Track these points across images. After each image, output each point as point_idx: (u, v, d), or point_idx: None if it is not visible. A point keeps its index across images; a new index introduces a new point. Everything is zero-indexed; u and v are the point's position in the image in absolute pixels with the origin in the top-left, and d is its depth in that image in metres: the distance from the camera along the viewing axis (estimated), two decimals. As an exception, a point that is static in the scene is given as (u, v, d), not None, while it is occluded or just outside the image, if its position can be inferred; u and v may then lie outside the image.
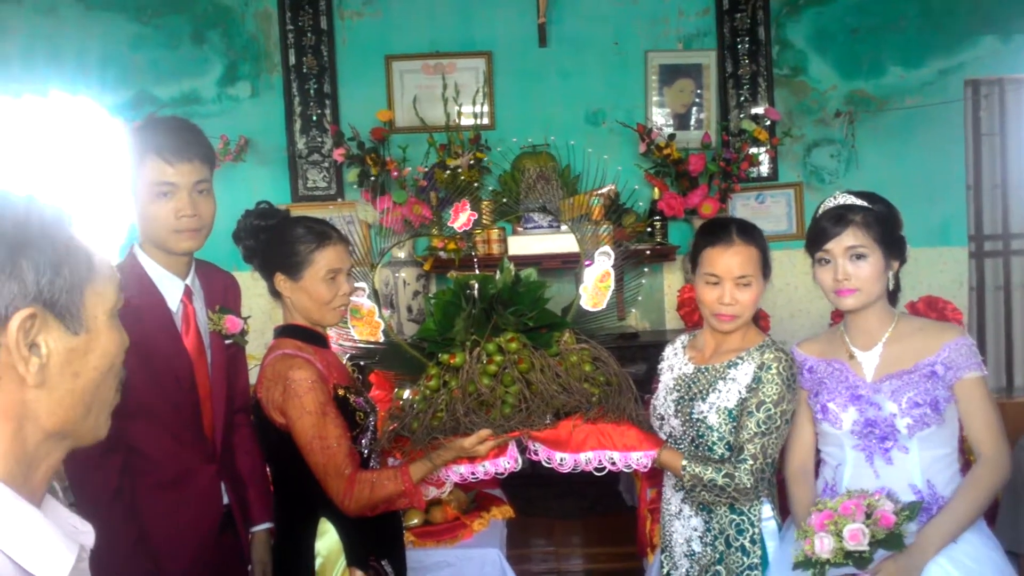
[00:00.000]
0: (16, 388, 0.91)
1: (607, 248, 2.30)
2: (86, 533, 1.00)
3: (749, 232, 2.26)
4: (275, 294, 2.18)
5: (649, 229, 4.93)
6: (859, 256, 2.11)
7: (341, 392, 2.10)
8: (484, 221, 4.08)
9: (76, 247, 0.95)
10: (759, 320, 2.37)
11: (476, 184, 4.73)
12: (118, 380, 1.02)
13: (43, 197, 0.96)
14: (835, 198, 2.19)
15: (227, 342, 2.25)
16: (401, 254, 4.87)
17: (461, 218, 2.36)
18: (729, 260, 2.21)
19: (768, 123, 5.06)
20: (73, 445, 0.99)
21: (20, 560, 0.87)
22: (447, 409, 2.02)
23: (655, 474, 2.46)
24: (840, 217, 2.13)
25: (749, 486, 2.11)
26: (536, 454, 2.13)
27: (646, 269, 4.56)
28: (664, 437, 2.30)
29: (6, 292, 0.88)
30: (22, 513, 0.89)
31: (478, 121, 5.06)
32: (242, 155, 4.96)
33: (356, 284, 2.27)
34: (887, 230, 2.13)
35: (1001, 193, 5.37)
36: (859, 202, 2.15)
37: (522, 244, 4.78)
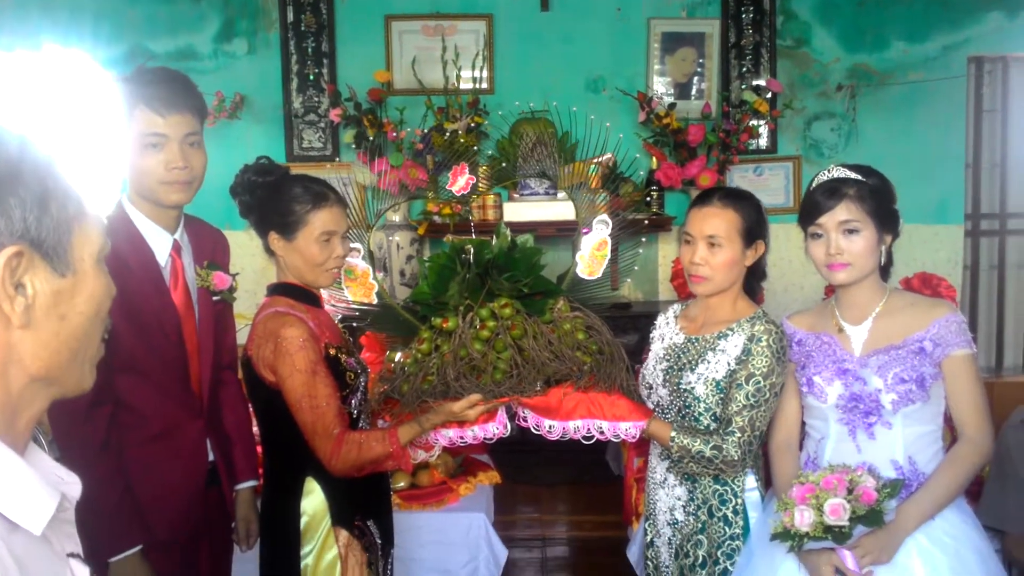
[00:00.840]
0: (1, 329, 0.89)
1: (605, 216, 2.29)
2: (72, 484, 0.99)
3: (733, 197, 2.26)
4: (269, 252, 2.17)
5: (646, 199, 4.91)
6: (852, 230, 2.09)
7: (332, 352, 2.10)
8: (480, 186, 4.06)
9: (65, 188, 0.93)
10: (755, 293, 2.35)
11: (474, 148, 4.69)
12: (103, 330, 1.01)
13: (35, 138, 0.93)
14: (829, 171, 2.17)
15: (215, 298, 2.24)
16: (396, 217, 4.84)
17: (459, 182, 2.34)
18: (702, 220, 2.23)
19: (769, 95, 5.02)
20: (57, 394, 0.98)
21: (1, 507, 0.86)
22: (438, 373, 2.02)
23: (642, 443, 2.47)
24: (833, 190, 2.11)
25: (736, 458, 2.12)
26: (525, 420, 2.13)
27: (643, 239, 4.55)
28: (652, 406, 2.30)
29: None
30: (2, 458, 0.88)
31: (477, 85, 5.01)
32: (237, 113, 4.91)
33: (351, 245, 2.25)
34: (881, 204, 2.11)
35: (1000, 172, 5.34)
36: (853, 175, 2.12)
37: (518, 211, 4.76)
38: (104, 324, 1.00)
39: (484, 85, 5.04)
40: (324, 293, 2.28)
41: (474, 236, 2.24)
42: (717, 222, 2.21)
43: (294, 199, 2.09)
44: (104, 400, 1.98)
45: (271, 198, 2.11)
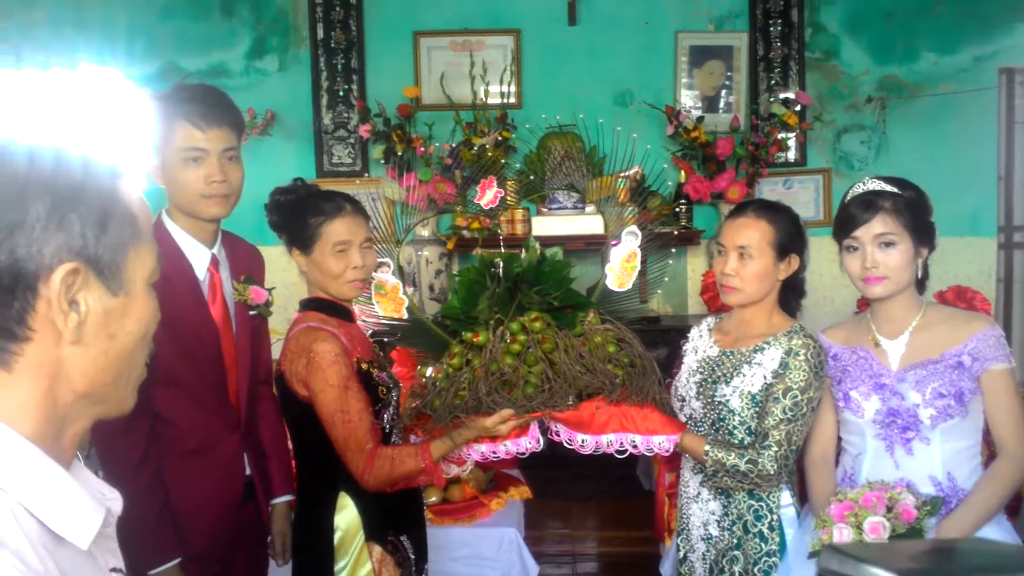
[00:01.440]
0: (52, 344, 0.90)
1: (634, 227, 2.28)
2: (114, 500, 1.00)
3: (767, 208, 2.25)
4: (300, 269, 2.19)
5: (675, 212, 4.90)
6: (888, 244, 2.07)
7: (364, 366, 2.10)
8: (509, 201, 4.07)
9: (125, 208, 0.94)
10: (793, 310, 2.33)
11: (502, 163, 4.71)
12: (147, 353, 1.02)
13: (100, 158, 0.95)
14: (864, 183, 2.15)
15: (251, 313, 2.26)
16: (424, 232, 4.87)
17: (488, 195, 2.34)
18: (735, 230, 2.23)
19: (798, 107, 5.00)
20: (101, 414, 0.98)
21: (46, 520, 0.87)
22: (469, 388, 2.01)
23: (673, 458, 2.45)
24: (869, 203, 2.09)
25: (772, 472, 2.10)
26: (558, 435, 2.12)
27: (673, 251, 4.53)
28: (684, 419, 2.29)
29: (53, 244, 0.87)
30: (50, 473, 0.89)
31: (505, 100, 5.03)
32: (268, 129, 4.96)
33: (380, 260, 2.26)
34: (917, 216, 2.09)
35: (1033, 184, 5.29)
36: (889, 188, 2.11)
37: (546, 225, 4.76)
38: (148, 347, 1.01)
39: (512, 100, 5.06)
40: (355, 308, 2.29)
41: (503, 250, 2.23)
42: (749, 232, 2.21)
43: (308, 213, 2.12)
44: (143, 413, 1.99)
45: (292, 216, 2.14)
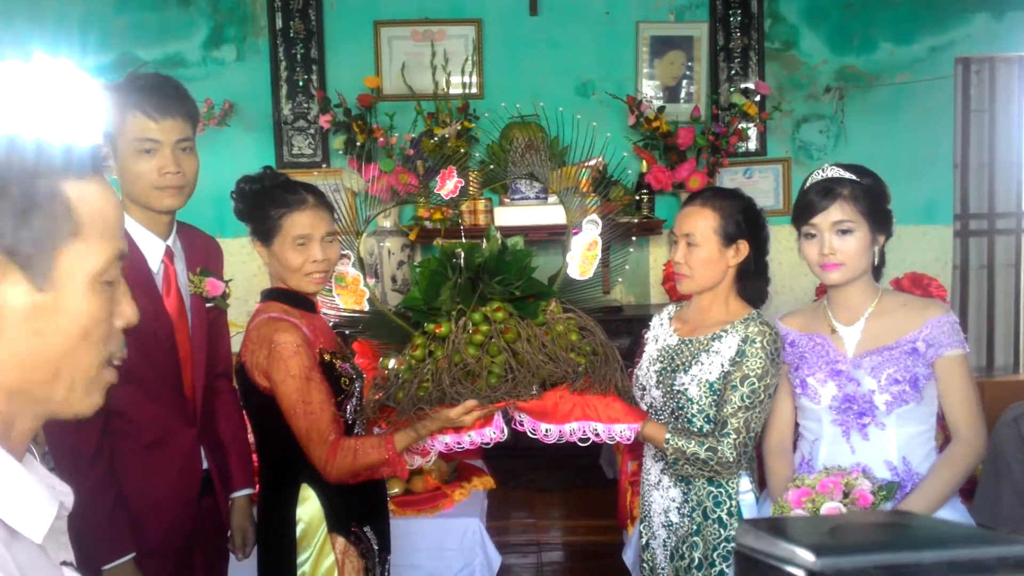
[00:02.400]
0: None
1: (594, 216, 2.29)
2: (64, 493, 0.99)
3: (715, 196, 2.28)
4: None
5: (637, 202, 4.92)
6: (845, 231, 2.09)
7: (327, 357, 2.09)
8: (472, 190, 4.06)
9: (60, 200, 0.91)
10: (756, 295, 2.35)
11: (464, 153, 4.70)
12: (105, 355, 0.97)
13: (41, 149, 0.92)
14: (823, 171, 2.17)
15: (208, 305, 2.23)
16: (386, 223, 4.84)
17: (448, 185, 2.33)
18: (682, 219, 2.28)
19: (758, 97, 5.04)
20: (49, 414, 0.96)
21: (0, 512, 0.86)
22: (432, 379, 2.00)
23: (636, 447, 2.47)
24: (827, 190, 2.11)
25: (732, 460, 2.12)
26: (522, 424, 2.12)
27: (634, 240, 4.55)
28: (645, 408, 2.30)
29: None
30: (3, 464, 0.88)
31: (467, 90, 5.02)
32: (227, 120, 4.91)
33: (341, 252, 2.24)
34: (875, 204, 2.12)
35: (988, 172, 5.38)
36: (847, 175, 2.12)
37: (508, 215, 4.76)
38: (106, 349, 0.97)
39: (474, 90, 5.05)
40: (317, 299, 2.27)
41: (464, 240, 2.22)
42: (693, 220, 2.24)
43: (271, 204, 2.09)
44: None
45: (255, 205, 2.11)
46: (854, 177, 2.12)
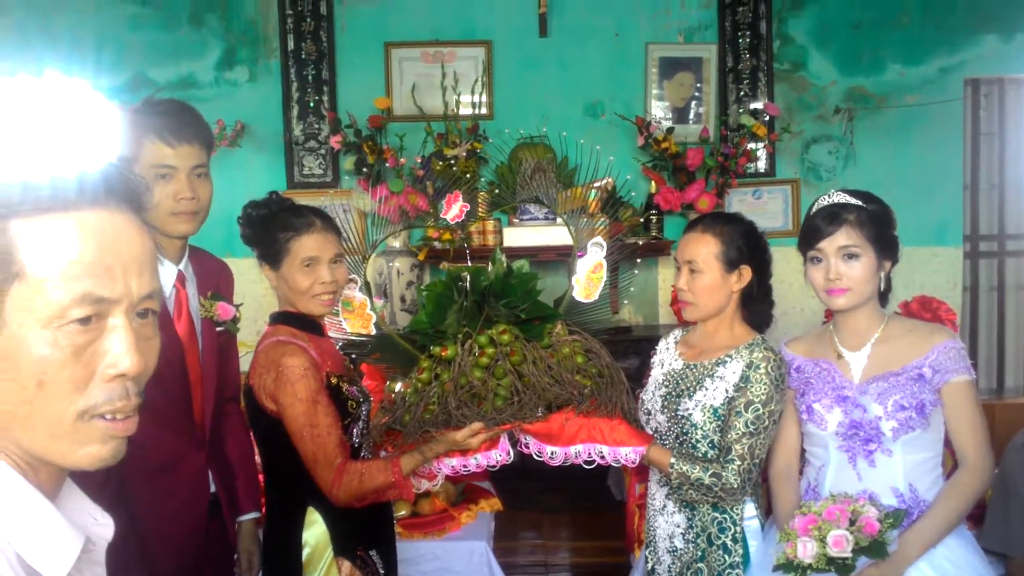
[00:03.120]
0: None
1: (599, 238, 2.29)
2: (105, 525, 0.98)
3: (715, 221, 2.28)
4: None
5: (645, 223, 4.92)
6: (851, 256, 2.10)
7: (334, 380, 2.10)
8: (480, 212, 4.07)
9: (6, 246, 0.86)
10: (760, 319, 2.35)
11: (470, 176, 4.70)
12: (81, 406, 0.90)
13: None
14: (829, 196, 2.18)
15: (218, 329, 2.24)
16: (396, 243, 4.85)
17: (453, 209, 2.35)
18: (684, 246, 2.27)
19: (767, 118, 5.04)
20: (54, 462, 0.92)
21: (22, 552, 0.86)
22: (439, 402, 2.01)
23: (644, 469, 2.46)
24: (834, 216, 2.12)
25: (736, 486, 2.11)
26: (527, 447, 2.13)
27: (638, 260, 4.54)
28: (651, 432, 2.30)
29: None
30: (31, 503, 0.88)
31: (476, 111, 5.04)
32: (238, 140, 4.93)
33: (348, 276, 2.26)
34: (881, 230, 2.12)
35: (998, 193, 5.36)
36: (853, 201, 2.13)
37: (518, 236, 4.76)
38: (83, 399, 0.90)
39: (483, 111, 5.07)
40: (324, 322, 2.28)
41: (470, 263, 2.23)
42: (695, 247, 2.24)
43: (278, 228, 2.11)
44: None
45: (263, 230, 2.13)
46: (860, 203, 2.12)
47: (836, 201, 2.15)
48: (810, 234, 2.15)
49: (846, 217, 2.10)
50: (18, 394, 0.87)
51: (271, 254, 2.12)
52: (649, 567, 2.36)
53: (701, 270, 2.22)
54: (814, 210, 2.19)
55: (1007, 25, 5.08)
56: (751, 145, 5.01)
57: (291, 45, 5.05)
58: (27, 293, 0.86)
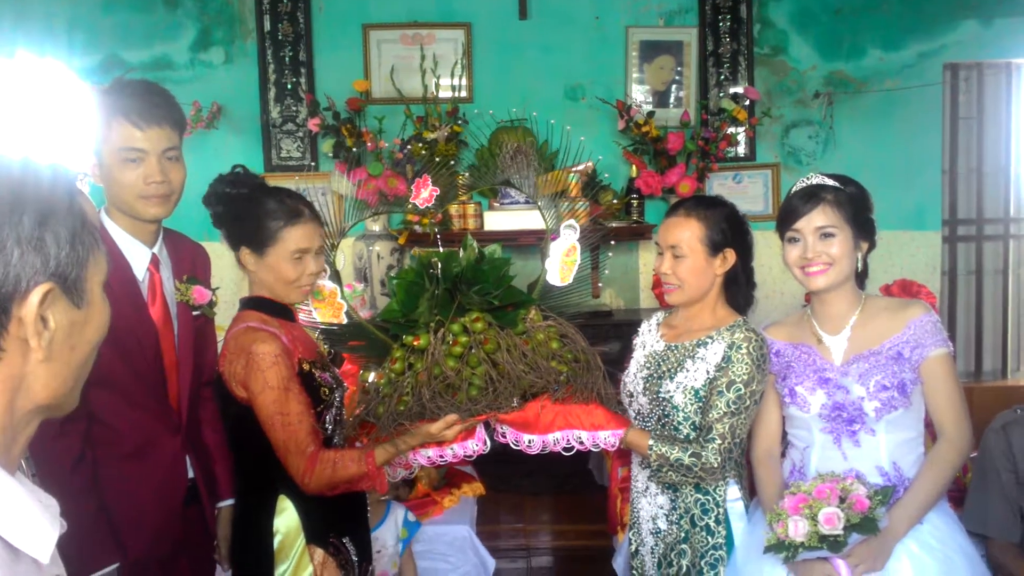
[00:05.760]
0: (20, 361, 0.89)
1: (572, 221, 2.27)
2: (51, 506, 0.98)
3: (698, 205, 2.26)
4: (242, 265, 2.13)
5: (627, 207, 4.91)
6: (828, 235, 2.11)
7: (306, 367, 2.06)
8: (460, 196, 4.04)
9: (87, 219, 0.93)
10: (745, 302, 2.34)
11: (452, 158, 4.67)
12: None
13: (60, 166, 0.93)
14: (808, 179, 2.20)
15: (195, 313, 2.21)
16: (376, 227, 4.82)
17: (423, 194, 2.31)
18: (666, 230, 2.26)
19: (747, 103, 5.03)
20: (50, 416, 0.98)
21: (7, 535, 0.86)
22: (413, 393, 1.97)
23: (626, 453, 2.46)
24: (811, 195, 2.13)
25: (716, 466, 2.11)
26: (504, 436, 2.11)
27: (612, 243, 4.52)
28: (633, 415, 2.29)
29: (29, 266, 0.86)
30: (6, 486, 0.88)
31: (456, 94, 5.00)
32: (214, 122, 4.87)
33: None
34: (857, 211, 2.14)
35: (976, 178, 5.38)
36: (831, 182, 2.16)
37: (498, 220, 4.74)
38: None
39: (463, 94, 5.04)
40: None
41: (440, 249, 2.19)
42: (678, 232, 2.23)
43: (267, 214, 2.05)
44: (78, 415, 1.94)
45: (244, 212, 2.07)
46: (837, 184, 2.14)
47: (814, 183, 2.16)
48: (788, 214, 2.16)
49: (824, 197, 2.11)
50: (87, 356, 0.96)
51: (257, 240, 2.06)
52: (633, 548, 2.36)
53: (685, 254, 2.21)
54: (792, 191, 2.19)
55: (986, 11, 5.10)
56: (731, 129, 5.00)
57: (267, 26, 4.99)
58: (99, 260, 0.95)
